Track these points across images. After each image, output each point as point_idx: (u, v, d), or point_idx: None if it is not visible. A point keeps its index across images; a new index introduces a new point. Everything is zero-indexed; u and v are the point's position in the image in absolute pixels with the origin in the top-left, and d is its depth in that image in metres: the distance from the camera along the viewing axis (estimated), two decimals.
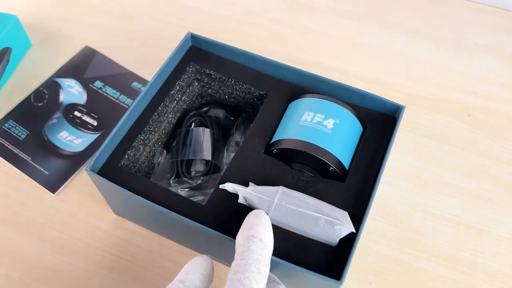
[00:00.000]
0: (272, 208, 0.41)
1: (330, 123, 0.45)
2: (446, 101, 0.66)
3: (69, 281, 0.50)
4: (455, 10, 0.77)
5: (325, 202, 0.42)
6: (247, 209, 0.42)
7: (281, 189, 0.43)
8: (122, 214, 0.53)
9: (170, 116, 0.54)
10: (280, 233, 0.41)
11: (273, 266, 0.38)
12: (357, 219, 0.42)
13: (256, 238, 0.34)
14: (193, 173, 0.52)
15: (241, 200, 0.43)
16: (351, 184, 0.45)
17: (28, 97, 0.65)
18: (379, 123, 0.49)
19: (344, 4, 0.77)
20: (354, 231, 0.41)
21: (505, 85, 0.68)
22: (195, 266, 0.35)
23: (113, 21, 0.74)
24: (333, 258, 0.41)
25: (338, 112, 0.46)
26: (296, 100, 0.49)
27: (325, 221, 0.40)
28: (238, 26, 0.74)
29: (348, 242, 0.41)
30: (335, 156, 0.44)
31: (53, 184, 0.56)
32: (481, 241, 0.54)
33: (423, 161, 0.60)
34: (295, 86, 0.52)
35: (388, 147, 0.46)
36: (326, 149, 0.44)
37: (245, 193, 0.42)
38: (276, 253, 0.39)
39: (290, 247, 0.41)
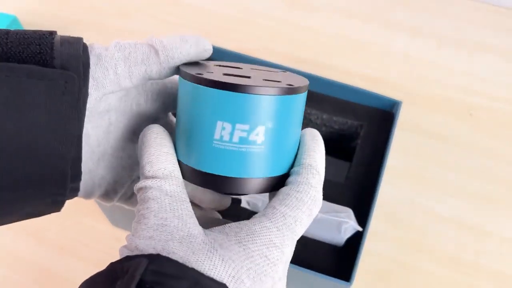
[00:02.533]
0: None
1: (259, 135, 0.26)
2: (447, 100, 0.66)
3: (67, 283, 0.50)
4: (457, 8, 0.77)
5: (328, 202, 0.42)
6: (251, 213, 0.42)
7: None
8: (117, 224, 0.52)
9: None
10: None
11: None
12: (362, 218, 0.41)
13: (315, 169, 0.26)
14: None
15: (244, 204, 0.42)
16: (354, 183, 0.44)
17: None
18: (377, 120, 0.49)
19: (345, 2, 0.77)
20: (360, 229, 0.40)
21: (506, 84, 0.68)
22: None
23: (113, 20, 0.73)
24: (340, 259, 0.40)
25: (268, 108, 0.26)
26: (188, 89, 0.26)
27: (331, 221, 0.40)
28: (237, 24, 0.73)
29: (353, 241, 0.40)
30: (267, 179, 0.27)
31: None
32: (483, 242, 0.53)
33: (424, 161, 0.59)
34: None
35: (387, 143, 0.46)
36: (254, 176, 0.26)
37: (248, 196, 0.42)
38: None
39: (297, 250, 0.41)
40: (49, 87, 0.23)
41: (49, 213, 0.27)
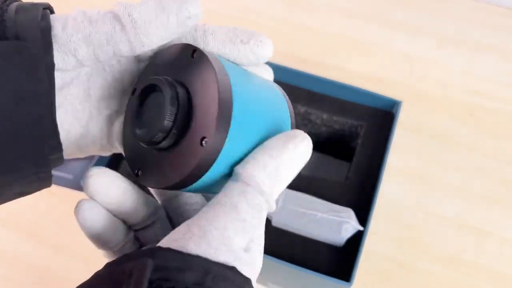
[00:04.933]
0: (277, 211, 0.41)
1: None
2: (448, 100, 0.66)
3: (67, 283, 0.49)
4: (457, 8, 0.77)
5: (329, 202, 0.42)
6: None
7: (285, 191, 0.42)
8: None
9: None
10: (286, 237, 0.41)
11: (282, 269, 0.37)
12: (362, 218, 0.41)
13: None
14: None
15: None
16: (354, 183, 0.44)
17: None
18: (377, 120, 0.49)
19: (345, 2, 0.77)
20: (361, 228, 0.40)
21: (508, 84, 0.68)
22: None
23: None
24: (340, 259, 0.40)
25: None
26: None
27: (331, 221, 0.40)
28: (237, 24, 0.73)
29: (353, 242, 0.40)
30: None
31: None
32: (483, 242, 0.53)
33: (425, 161, 0.59)
34: (290, 86, 0.52)
35: (387, 143, 0.46)
36: None
37: None
38: (284, 257, 0.39)
39: (297, 251, 0.41)
40: (2, 62, 0.20)
41: (40, 189, 0.24)
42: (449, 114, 0.64)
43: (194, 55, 0.22)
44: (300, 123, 0.54)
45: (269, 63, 0.51)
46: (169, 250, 0.19)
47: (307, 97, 0.52)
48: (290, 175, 0.22)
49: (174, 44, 0.23)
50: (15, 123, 0.21)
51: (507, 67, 0.69)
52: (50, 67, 0.22)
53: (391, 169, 0.58)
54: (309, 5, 0.77)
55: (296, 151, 0.22)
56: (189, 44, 0.23)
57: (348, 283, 0.37)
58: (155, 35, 0.22)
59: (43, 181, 0.24)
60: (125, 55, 0.23)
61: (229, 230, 0.20)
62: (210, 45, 0.24)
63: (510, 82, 0.68)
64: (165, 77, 0.21)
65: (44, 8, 0.23)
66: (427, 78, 0.68)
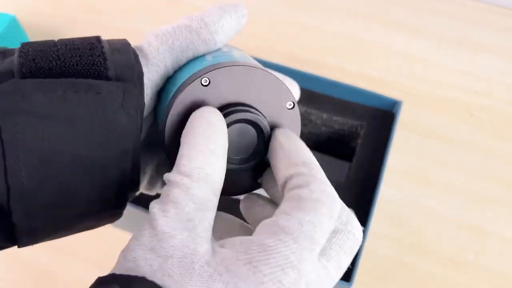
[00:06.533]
0: None
1: None
2: (448, 100, 0.66)
3: (67, 283, 0.49)
4: (458, 8, 0.77)
5: None
6: None
7: None
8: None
9: None
10: None
11: None
12: (362, 218, 0.41)
13: (314, 164, 0.24)
14: None
15: None
16: (354, 183, 0.44)
17: None
18: (377, 120, 0.49)
19: (345, 2, 0.77)
20: (362, 228, 0.40)
21: (507, 84, 0.68)
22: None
23: (113, 20, 0.73)
24: None
25: None
26: None
27: None
28: None
29: None
30: None
31: None
32: (483, 242, 0.53)
33: (425, 161, 0.59)
34: None
35: (387, 143, 0.46)
36: None
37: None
38: None
39: None
40: (107, 99, 0.22)
41: (108, 223, 0.26)
42: (449, 114, 0.64)
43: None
44: (300, 123, 0.54)
45: (269, 63, 0.51)
46: (148, 285, 0.19)
47: (307, 97, 0.52)
48: None
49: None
50: (107, 163, 0.23)
51: (507, 67, 0.69)
52: (141, 107, 0.24)
53: (391, 169, 0.58)
54: (309, 5, 0.77)
55: None
56: None
57: (348, 283, 0.37)
58: (222, 32, 0.26)
59: (114, 218, 0.26)
60: (201, 54, 0.26)
61: None
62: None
63: (510, 82, 0.68)
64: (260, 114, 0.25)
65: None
66: (427, 78, 0.68)
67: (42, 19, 0.72)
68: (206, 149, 0.22)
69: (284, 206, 0.21)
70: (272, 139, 0.25)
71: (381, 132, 0.48)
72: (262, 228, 0.21)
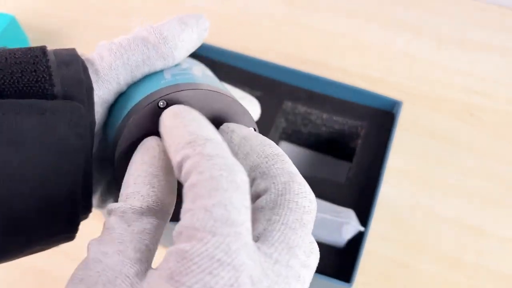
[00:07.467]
0: None
1: None
2: (448, 100, 0.66)
3: (64, 283, 0.49)
4: (457, 8, 0.77)
5: (329, 203, 0.42)
6: None
7: None
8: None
9: None
10: None
11: None
12: (362, 219, 0.41)
13: (278, 156, 0.22)
14: None
15: None
16: (354, 183, 0.44)
17: None
18: (377, 120, 0.49)
19: (346, 2, 0.77)
20: (362, 229, 0.40)
21: (508, 84, 0.68)
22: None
23: (113, 20, 0.73)
24: (341, 260, 0.40)
25: None
26: None
27: (332, 222, 0.40)
28: (238, 25, 0.73)
29: (354, 242, 0.40)
30: None
31: None
32: (483, 242, 0.53)
33: (424, 161, 0.59)
34: (291, 86, 0.52)
35: (388, 143, 0.46)
36: None
37: None
38: None
39: None
40: (52, 120, 0.20)
41: (62, 243, 0.25)
42: (449, 114, 0.64)
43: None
44: (300, 123, 0.54)
45: (269, 63, 0.51)
46: None
47: (307, 97, 0.52)
48: None
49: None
50: (55, 181, 0.21)
51: (507, 67, 0.69)
52: (92, 126, 0.23)
53: (392, 169, 0.58)
54: (309, 5, 0.77)
55: None
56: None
57: (349, 284, 0.37)
58: (182, 48, 0.24)
59: (68, 240, 0.25)
60: (158, 70, 0.25)
61: None
62: None
63: (510, 82, 0.68)
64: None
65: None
66: (427, 78, 0.68)
67: (42, 19, 0.72)
68: (143, 173, 0.20)
69: (185, 204, 0.18)
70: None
71: (382, 132, 0.48)
72: (175, 237, 0.18)
